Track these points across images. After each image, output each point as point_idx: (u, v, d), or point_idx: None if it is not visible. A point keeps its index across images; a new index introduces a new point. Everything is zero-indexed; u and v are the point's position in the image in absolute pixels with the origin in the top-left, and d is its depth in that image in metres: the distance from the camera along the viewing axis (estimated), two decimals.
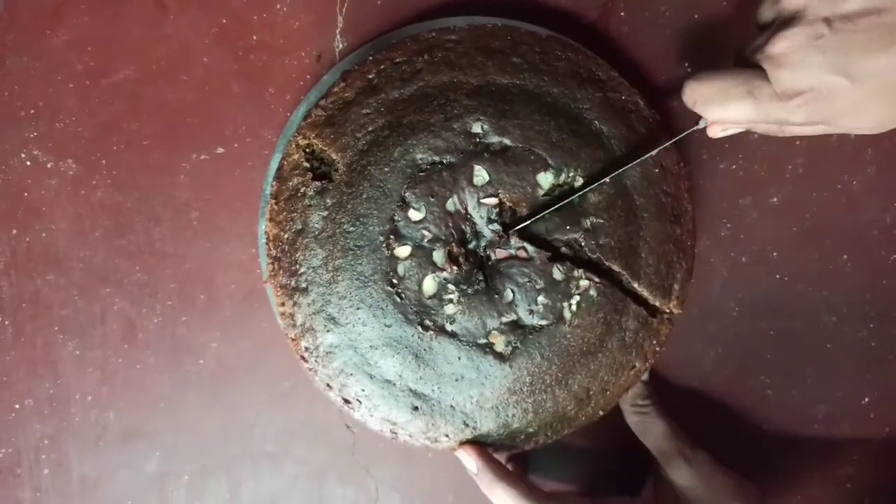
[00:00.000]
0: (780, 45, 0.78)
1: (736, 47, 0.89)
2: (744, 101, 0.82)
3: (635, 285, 0.97)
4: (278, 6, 1.08)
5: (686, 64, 1.10)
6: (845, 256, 1.12)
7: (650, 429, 1.04)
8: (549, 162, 0.94)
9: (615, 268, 0.96)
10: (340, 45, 1.09)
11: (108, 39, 1.08)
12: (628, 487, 1.11)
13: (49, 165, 1.07)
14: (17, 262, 1.08)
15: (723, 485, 0.98)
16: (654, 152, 0.96)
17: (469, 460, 0.96)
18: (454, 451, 0.97)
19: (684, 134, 0.93)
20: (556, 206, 0.94)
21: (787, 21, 0.79)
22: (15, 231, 1.08)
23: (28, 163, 1.07)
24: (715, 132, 0.90)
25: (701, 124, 0.90)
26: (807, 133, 0.85)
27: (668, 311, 0.99)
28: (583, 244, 0.95)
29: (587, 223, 0.94)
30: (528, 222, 0.94)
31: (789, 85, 0.79)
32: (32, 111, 1.07)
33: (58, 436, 1.10)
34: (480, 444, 0.97)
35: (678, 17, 1.10)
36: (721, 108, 0.84)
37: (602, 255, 0.95)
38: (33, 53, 1.07)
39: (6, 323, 1.08)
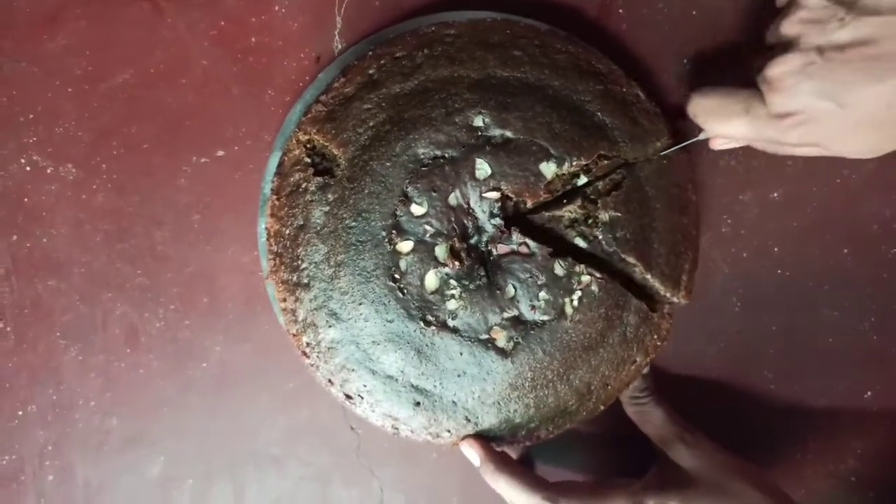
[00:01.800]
0: (775, 70, 0.85)
1: (749, 66, 0.92)
2: (741, 118, 0.90)
3: (648, 276, 0.97)
4: (276, 8, 1.08)
5: (684, 60, 1.10)
6: (846, 251, 1.12)
7: (649, 418, 1.05)
8: (552, 152, 0.94)
9: (630, 260, 0.96)
10: (339, 46, 1.09)
11: (106, 43, 1.08)
12: (633, 473, 1.11)
13: (49, 170, 1.07)
14: (17, 268, 1.08)
15: (725, 464, 0.99)
16: (664, 153, 0.99)
17: (471, 452, 0.97)
18: (457, 445, 0.97)
19: (688, 142, 0.99)
20: (564, 192, 0.96)
21: (784, 46, 0.86)
22: (15, 237, 1.08)
23: (28, 168, 1.07)
24: (716, 144, 0.98)
25: (702, 136, 0.97)
26: (802, 154, 0.91)
27: (677, 300, 0.99)
28: (600, 237, 0.95)
29: (605, 216, 0.95)
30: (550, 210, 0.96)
31: (781, 107, 0.86)
32: (31, 116, 1.07)
33: (61, 442, 1.10)
34: (482, 437, 0.98)
35: (676, 12, 1.10)
36: (719, 123, 0.93)
37: (619, 248, 0.95)
38: (31, 58, 1.07)
39: (8, 329, 1.08)
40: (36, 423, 1.10)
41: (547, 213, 0.96)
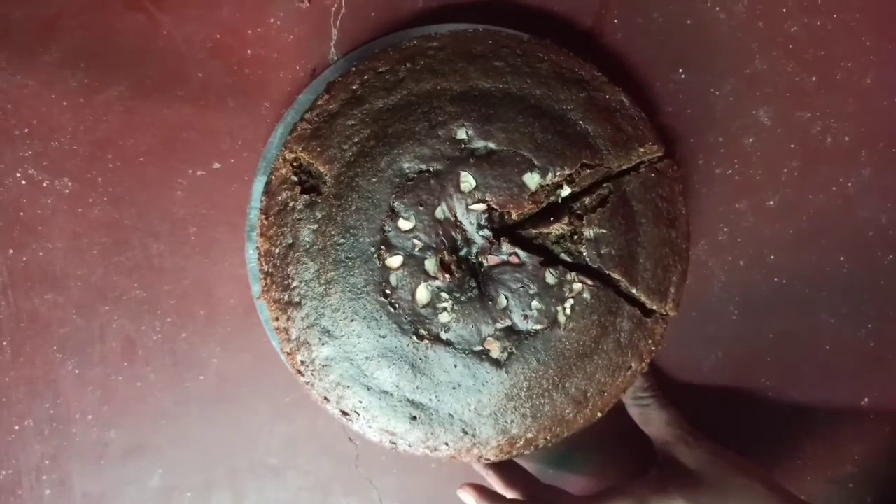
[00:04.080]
0: None
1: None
2: None
3: (633, 291, 0.96)
4: (272, 20, 1.09)
5: (680, 69, 1.10)
6: (842, 258, 1.12)
7: (652, 420, 1.06)
8: (535, 162, 0.94)
9: (615, 276, 0.95)
10: (335, 58, 1.09)
11: (101, 55, 1.08)
12: (634, 473, 1.11)
13: (45, 184, 1.08)
14: (14, 282, 1.08)
15: (728, 461, 1.00)
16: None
17: (469, 498, 0.99)
18: (455, 459, 0.97)
19: None
20: (547, 206, 0.95)
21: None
22: (11, 251, 1.08)
23: (23, 182, 1.07)
24: None
25: None
26: None
27: (664, 313, 0.98)
28: (584, 254, 0.95)
29: (590, 233, 0.94)
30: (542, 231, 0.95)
31: None
32: (27, 130, 1.07)
33: (59, 455, 1.10)
34: (478, 485, 1.00)
35: (671, 22, 1.10)
36: None
37: (603, 264, 0.94)
38: (26, 71, 1.07)
39: (4, 343, 1.09)
40: (33, 438, 1.10)
41: (534, 231, 0.95)
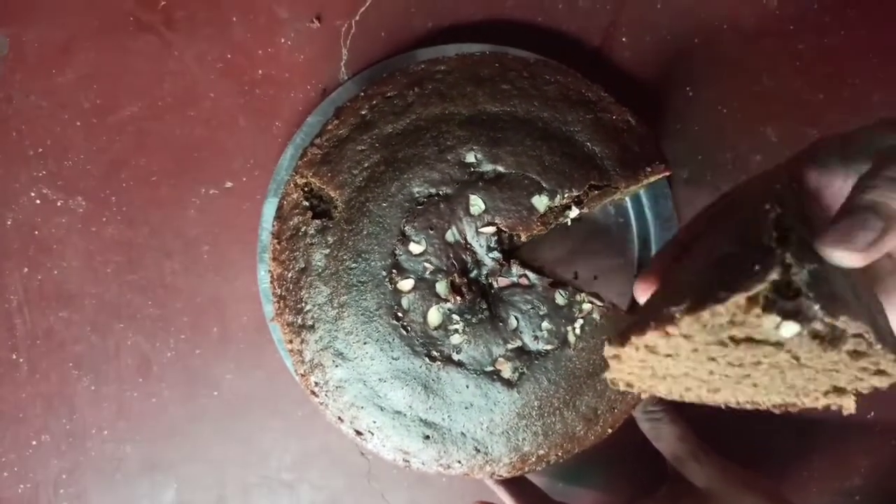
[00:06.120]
0: None
1: None
2: None
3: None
4: (283, 40, 1.10)
5: (687, 87, 1.11)
6: None
7: (663, 434, 1.05)
8: (543, 185, 0.94)
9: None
10: (345, 78, 1.10)
11: (114, 77, 1.09)
12: (645, 488, 1.11)
13: (59, 203, 1.09)
14: (29, 300, 1.09)
15: (737, 479, 0.99)
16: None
17: None
18: (468, 476, 0.97)
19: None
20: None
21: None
22: (27, 269, 1.09)
23: (38, 201, 1.09)
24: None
25: None
26: None
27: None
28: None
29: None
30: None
31: None
32: (41, 150, 1.08)
33: (75, 470, 1.11)
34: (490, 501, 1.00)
35: (679, 41, 1.11)
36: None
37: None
38: (40, 92, 1.09)
39: (21, 360, 1.10)
40: (50, 452, 1.11)
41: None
